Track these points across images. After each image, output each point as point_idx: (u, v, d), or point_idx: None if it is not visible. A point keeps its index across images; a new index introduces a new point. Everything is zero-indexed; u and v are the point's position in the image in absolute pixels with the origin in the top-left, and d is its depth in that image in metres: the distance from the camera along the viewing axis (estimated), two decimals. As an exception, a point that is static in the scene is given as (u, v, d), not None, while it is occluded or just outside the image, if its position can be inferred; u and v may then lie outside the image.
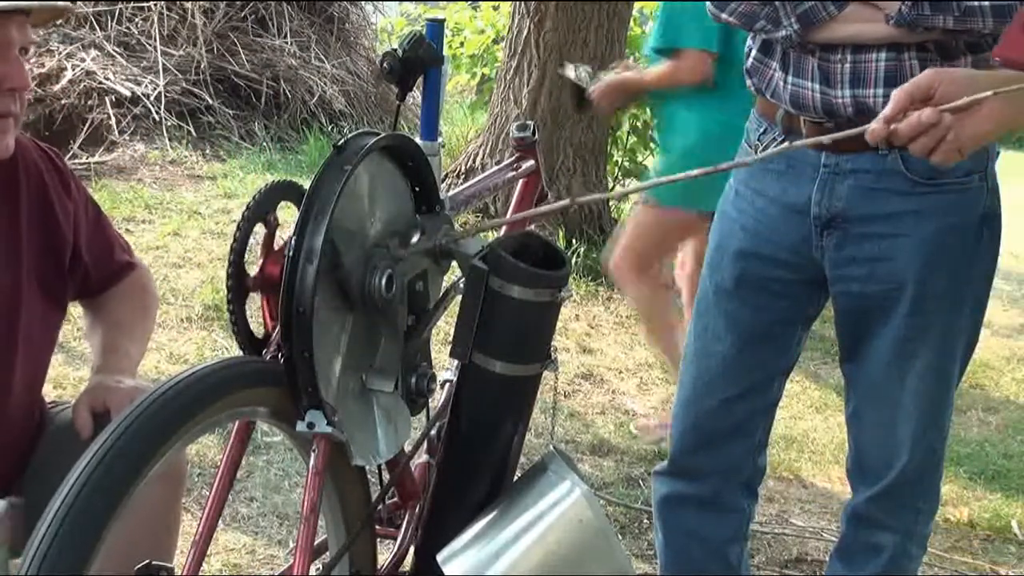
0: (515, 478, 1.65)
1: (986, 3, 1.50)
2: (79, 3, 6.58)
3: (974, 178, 1.65)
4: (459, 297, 1.54)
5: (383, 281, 1.41)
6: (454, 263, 1.58)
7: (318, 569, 1.56)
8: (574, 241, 5.05)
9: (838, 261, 1.71)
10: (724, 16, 1.71)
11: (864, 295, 1.71)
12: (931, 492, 1.84)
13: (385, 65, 1.67)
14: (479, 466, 1.60)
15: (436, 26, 1.76)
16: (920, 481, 1.80)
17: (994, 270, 1.74)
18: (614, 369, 4.05)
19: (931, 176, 1.62)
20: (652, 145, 5.70)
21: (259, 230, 1.42)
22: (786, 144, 1.35)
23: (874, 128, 1.35)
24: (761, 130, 1.76)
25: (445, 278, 1.63)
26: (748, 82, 1.77)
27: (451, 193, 1.75)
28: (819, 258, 1.73)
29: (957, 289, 1.69)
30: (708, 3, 1.73)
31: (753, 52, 1.75)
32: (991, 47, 1.52)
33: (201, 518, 1.32)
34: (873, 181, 1.65)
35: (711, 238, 1.88)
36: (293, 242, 1.32)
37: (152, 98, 6.20)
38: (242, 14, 6.94)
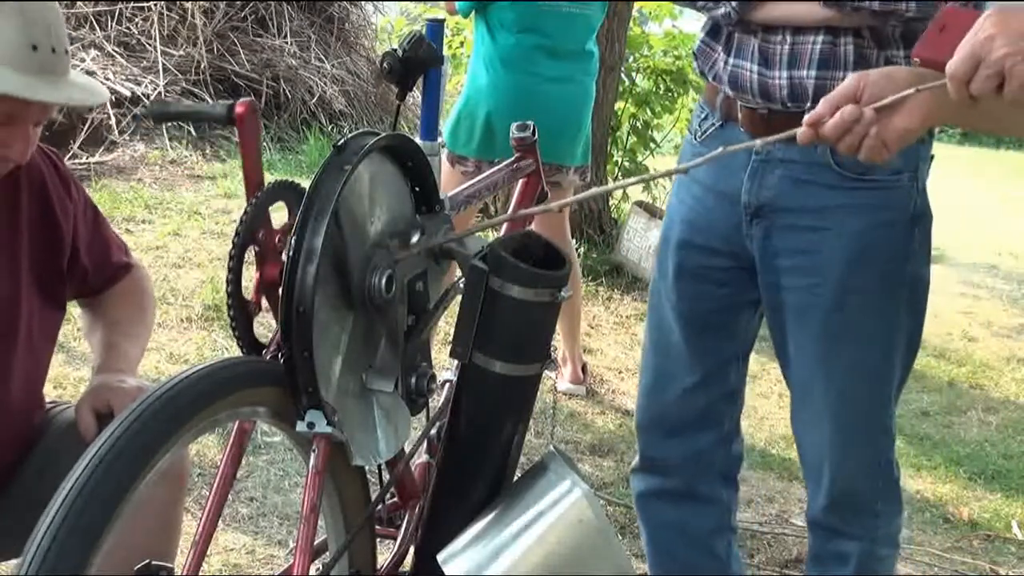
0: (515, 478, 1.65)
1: None
2: (79, 3, 6.58)
3: (903, 177, 1.65)
4: (459, 297, 1.54)
5: (383, 281, 1.41)
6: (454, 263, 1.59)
7: (318, 569, 1.56)
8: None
9: (765, 252, 1.71)
10: None
11: (788, 288, 1.70)
12: (887, 494, 1.80)
13: (385, 65, 1.67)
14: (479, 466, 1.60)
15: (436, 26, 1.76)
16: (870, 485, 1.76)
17: (928, 271, 1.72)
18: (614, 369, 4.05)
19: (860, 171, 1.62)
20: (652, 145, 5.70)
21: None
22: (720, 150, 1.40)
23: (802, 132, 1.38)
24: (702, 116, 1.78)
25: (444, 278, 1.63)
26: (695, 65, 1.79)
27: (451, 193, 1.75)
28: (749, 247, 1.72)
29: (887, 288, 1.68)
30: None
31: (702, 35, 1.77)
32: None
33: (201, 518, 1.32)
34: (802, 172, 1.65)
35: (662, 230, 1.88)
36: (293, 242, 1.32)
37: (152, 98, 6.20)
38: (242, 14, 6.94)
